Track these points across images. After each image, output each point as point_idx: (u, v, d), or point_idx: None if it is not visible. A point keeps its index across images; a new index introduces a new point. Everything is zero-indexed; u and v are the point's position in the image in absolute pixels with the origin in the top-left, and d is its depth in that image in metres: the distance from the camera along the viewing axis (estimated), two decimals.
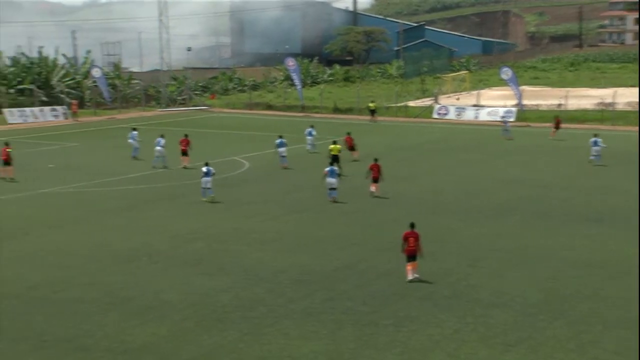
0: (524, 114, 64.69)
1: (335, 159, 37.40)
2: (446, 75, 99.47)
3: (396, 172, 39.03)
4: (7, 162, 37.60)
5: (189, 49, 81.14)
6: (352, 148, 43.50)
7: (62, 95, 72.52)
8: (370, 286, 21.91)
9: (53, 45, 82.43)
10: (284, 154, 41.49)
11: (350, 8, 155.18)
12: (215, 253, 25.16)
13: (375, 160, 34.44)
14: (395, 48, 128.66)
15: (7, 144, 38.51)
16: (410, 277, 22.20)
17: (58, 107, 68.68)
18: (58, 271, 22.96)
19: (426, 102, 76.96)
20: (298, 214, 30.98)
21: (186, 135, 42.46)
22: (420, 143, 53.00)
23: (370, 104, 67.41)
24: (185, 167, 40.68)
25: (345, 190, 34.21)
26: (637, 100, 63.49)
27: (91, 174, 39.31)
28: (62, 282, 21.97)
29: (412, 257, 22.22)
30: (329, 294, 21.25)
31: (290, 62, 78.78)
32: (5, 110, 64.68)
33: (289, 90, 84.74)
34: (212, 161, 43.21)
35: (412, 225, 22.50)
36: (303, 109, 74.87)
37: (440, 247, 25.62)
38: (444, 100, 76.16)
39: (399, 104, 73.76)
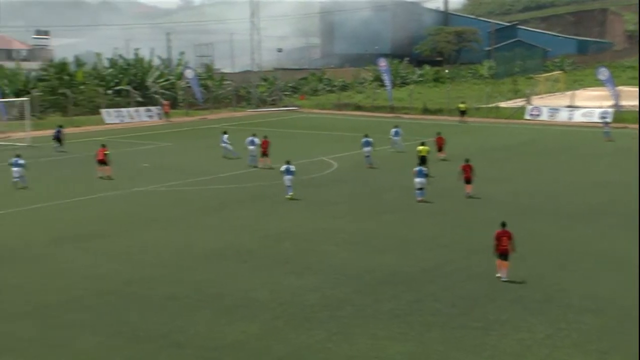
0: (621, 115, 62.82)
1: (423, 161, 37.16)
2: (539, 75, 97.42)
3: (486, 174, 38.48)
4: (104, 161, 38.72)
5: (279, 50, 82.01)
6: (440, 148, 43.47)
7: (157, 96, 74.36)
8: (459, 288, 21.68)
9: (149, 47, 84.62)
10: (368, 154, 41.52)
11: (441, 8, 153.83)
12: (303, 253, 25.35)
13: (467, 160, 34.12)
14: (487, 48, 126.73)
15: (103, 146, 39.64)
16: (500, 274, 22.16)
17: (152, 108, 70.48)
18: (151, 268, 23.55)
19: (518, 103, 75.61)
20: (386, 214, 30.91)
21: (266, 137, 42.61)
22: (511, 144, 52.11)
23: (461, 105, 66.75)
24: (265, 168, 40.71)
25: (433, 190, 33.95)
26: None
27: (183, 173, 40.17)
28: (155, 279, 22.53)
29: (504, 256, 22.09)
30: (416, 295, 21.12)
31: (382, 63, 78.66)
32: (103, 111, 66.73)
33: (378, 91, 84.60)
34: (301, 161, 43.64)
35: (504, 225, 22.45)
36: (392, 109, 74.64)
37: (531, 250, 25.13)
38: (536, 101, 74.64)
39: (489, 105, 72.72)
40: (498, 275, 22.33)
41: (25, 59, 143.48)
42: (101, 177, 38.42)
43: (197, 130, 61.38)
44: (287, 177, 33.42)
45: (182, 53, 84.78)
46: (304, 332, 18.49)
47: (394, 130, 48.27)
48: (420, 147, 38.21)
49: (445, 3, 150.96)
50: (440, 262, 24.23)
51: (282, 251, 25.52)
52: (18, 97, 60.84)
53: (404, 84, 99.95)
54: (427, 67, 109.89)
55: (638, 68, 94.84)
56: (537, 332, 18.43)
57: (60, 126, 49.98)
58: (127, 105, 70.85)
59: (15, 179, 36.62)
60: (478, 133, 58.77)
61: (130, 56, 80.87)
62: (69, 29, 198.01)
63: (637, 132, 52.43)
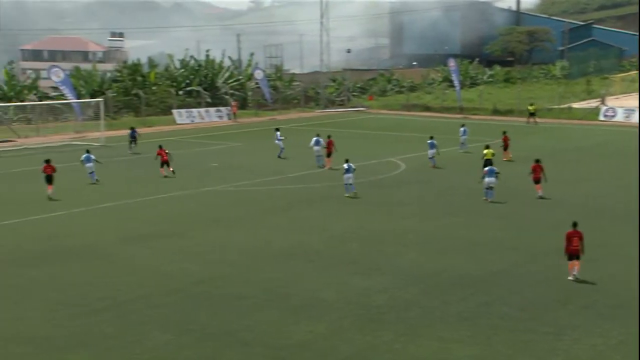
0: None
1: (488, 164, 36.59)
2: (615, 75, 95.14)
3: (558, 175, 37.76)
4: (166, 162, 39.46)
5: (348, 51, 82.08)
6: (506, 148, 43.31)
7: (227, 97, 75.21)
8: (529, 292, 21.32)
9: (219, 48, 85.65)
10: (431, 156, 41.63)
11: (513, 7, 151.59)
12: (370, 253, 25.29)
13: (537, 160, 33.60)
14: (560, 48, 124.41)
15: (160, 147, 40.68)
16: (572, 275, 22.05)
17: (222, 108, 71.30)
18: (220, 267, 23.82)
19: (592, 103, 74.02)
20: (453, 216, 30.61)
21: (329, 136, 42.63)
22: (584, 146, 51.05)
23: (530, 107, 65.56)
24: (334, 169, 40.70)
25: (501, 192, 33.49)
26: None
27: (252, 173, 40.50)
28: (224, 278, 22.77)
29: (575, 256, 21.99)
30: (484, 298, 20.86)
31: (452, 63, 78.03)
32: (175, 111, 67.83)
33: (447, 91, 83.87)
34: (369, 162, 43.60)
35: (575, 225, 22.31)
36: (461, 110, 73.93)
37: (603, 254, 24.56)
38: (611, 101, 72.92)
39: (562, 106, 71.37)
40: (570, 278, 22.05)
41: (100, 61, 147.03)
42: (166, 176, 38.92)
43: (266, 130, 61.79)
44: (347, 176, 33.72)
45: (251, 54, 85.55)
46: (370, 333, 18.44)
47: (462, 129, 47.90)
48: (486, 151, 37.70)
49: (517, 2, 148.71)
50: (510, 265, 23.88)
51: (349, 251, 25.51)
52: (93, 98, 62.33)
53: (474, 84, 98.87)
54: (497, 68, 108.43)
55: (638, 68, 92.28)
56: (610, 338, 18.00)
57: (132, 128, 50.88)
58: (198, 105, 71.86)
59: (90, 174, 37.67)
60: (550, 134, 57.71)
61: (201, 57, 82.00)
62: (143, 31, 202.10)
63: None
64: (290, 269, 23.62)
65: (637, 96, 74.46)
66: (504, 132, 45.00)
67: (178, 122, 66.33)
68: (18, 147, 48.82)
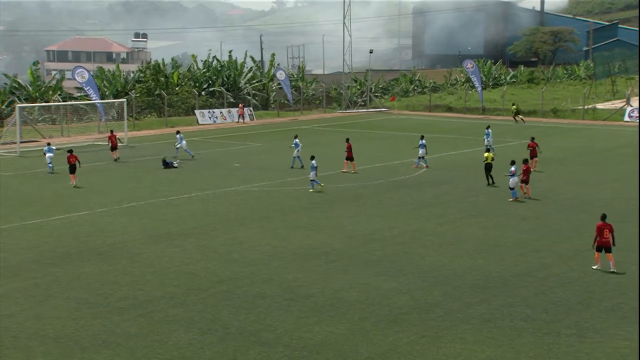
0: None
1: (488, 167, 36.36)
2: None
3: (582, 177, 37.52)
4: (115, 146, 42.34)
5: (371, 52, 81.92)
6: (534, 155, 40.31)
7: (249, 97, 75.42)
8: (552, 294, 21.19)
9: (242, 49, 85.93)
10: (421, 155, 42.12)
11: (537, 8, 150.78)
12: (393, 254, 25.25)
13: (525, 161, 33.83)
14: (585, 48, 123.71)
15: (112, 131, 43.97)
16: (597, 266, 23.02)
17: (244, 109, 71.45)
18: (242, 267, 23.89)
19: (617, 104, 73.45)
20: (476, 217, 30.49)
21: (348, 140, 41.75)
22: (609, 147, 50.67)
23: (513, 107, 67.73)
24: (351, 172, 40.32)
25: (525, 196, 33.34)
26: None
27: (274, 173, 40.57)
28: (246, 277, 22.84)
29: (606, 249, 22.68)
30: (507, 300, 20.76)
31: (469, 64, 77.78)
32: (197, 112, 68.13)
33: (470, 92, 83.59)
34: (391, 163, 43.56)
35: (604, 217, 23.00)
36: (484, 111, 73.67)
37: (628, 257, 24.35)
38: (636, 102, 72.29)
39: (586, 107, 70.89)
40: (595, 267, 22.85)
41: (124, 61, 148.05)
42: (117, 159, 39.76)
43: (287, 131, 61.93)
44: (313, 173, 35.17)
45: (273, 55, 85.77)
46: (392, 334, 18.41)
47: (487, 131, 47.77)
48: (486, 154, 37.11)
49: (542, 3, 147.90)
50: (533, 267, 23.75)
51: (371, 252, 25.49)
52: (117, 99, 62.74)
53: (497, 85, 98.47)
54: (521, 68, 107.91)
55: (639, 68, 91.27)
56: (634, 341, 17.84)
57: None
58: (220, 106, 72.12)
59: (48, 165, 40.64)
60: (574, 135, 57.35)
61: (224, 58, 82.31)
62: (166, 32, 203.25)
63: None
64: (312, 268, 23.64)
65: None
66: (532, 138, 41.76)
67: (200, 122, 66.60)
68: (42, 147, 49.21)
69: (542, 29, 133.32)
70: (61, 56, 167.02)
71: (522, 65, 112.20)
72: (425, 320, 19.30)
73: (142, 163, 44.99)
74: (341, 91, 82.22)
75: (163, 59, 78.20)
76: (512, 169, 33.13)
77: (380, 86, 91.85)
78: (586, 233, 27.58)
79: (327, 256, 24.99)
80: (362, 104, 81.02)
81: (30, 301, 20.70)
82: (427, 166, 41.63)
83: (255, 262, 24.40)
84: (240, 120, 68.34)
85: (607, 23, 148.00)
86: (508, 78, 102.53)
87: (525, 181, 33.30)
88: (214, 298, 20.94)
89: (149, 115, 70.90)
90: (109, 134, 47.19)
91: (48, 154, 41.49)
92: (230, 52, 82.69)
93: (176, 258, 24.82)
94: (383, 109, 78.74)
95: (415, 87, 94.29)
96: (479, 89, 76.80)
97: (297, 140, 42.99)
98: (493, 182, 36.16)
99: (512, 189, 32.94)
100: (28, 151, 49.38)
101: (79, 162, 37.60)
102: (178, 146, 45.69)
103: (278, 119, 71.70)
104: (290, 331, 18.59)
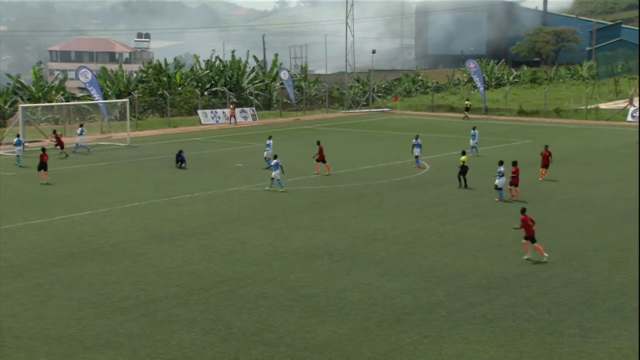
0: None
1: (463, 169, 36.21)
2: None
3: (585, 176, 37.49)
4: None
5: (373, 52, 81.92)
6: (545, 164, 38.32)
7: (251, 97, 75.45)
8: (555, 294, 21.18)
9: (245, 48, 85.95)
10: (417, 154, 42.18)
11: (540, 8, 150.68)
12: (395, 254, 25.24)
13: (515, 163, 33.70)
14: (587, 48, 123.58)
15: (54, 131, 44.25)
16: (528, 255, 24.26)
17: (247, 109, 71.52)
18: (244, 267, 23.89)
19: (620, 104, 73.38)
20: (478, 217, 30.48)
21: (319, 142, 40.75)
22: (611, 147, 50.62)
23: (466, 102, 71.52)
24: (325, 174, 39.69)
25: (528, 195, 33.31)
26: None
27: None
28: (248, 277, 22.84)
29: (532, 239, 24.07)
30: (510, 300, 20.74)
31: (472, 64, 77.75)
32: (200, 112, 68.15)
33: (473, 92, 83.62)
34: (393, 163, 43.56)
35: (524, 210, 24.67)
36: (486, 111, 73.65)
37: (630, 257, 24.32)
38: (637, 102, 72.21)
39: (589, 107, 70.84)
40: (525, 256, 24.20)
41: (127, 61, 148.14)
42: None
43: (290, 131, 62.02)
44: (275, 172, 35.59)
45: (276, 55, 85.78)
46: (395, 334, 18.41)
47: (473, 132, 46.80)
48: (463, 157, 36.83)
49: (544, 2, 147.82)
50: (535, 267, 23.73)
51: (374, 252, 25.49)
52: (119, 99, 62.79)
53: (500, 85, 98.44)
54: (524, 68, 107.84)
55: (639, 69, 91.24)
56: (636, 341, 17.81)
57: (181, 150, 44.12)
58: (223, 106, 72.14)
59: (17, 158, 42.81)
60: (576, 135, 57.29)
61: (227, 58, 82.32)
62: (169, 32, 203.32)
63: None
64: (314, 268, 23.65)
65: None
66: (546, 147, 39.25)
67: (203, 122, 66.63)
68: (45, 147, 49.25)
69: (545, 29, 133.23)
70: (64, 56, 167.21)
71: (524, 65, 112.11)
72: (428, 320, 19.29)
73: (144, 163, 45.01)
74: (344, 91, 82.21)
75: (165, 59, 78.24)
76: (501, 169, 33.11)
77: (383, 86, 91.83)
78: (588, 233, 27.56)
79: (329, 256, 24.99)
80: (365, 104, 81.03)
81: (33, 301, 20.71)
82: (417, 166, 41.55)
83: (257, 262, 24.40)
84: (233, 121, 67.61)
85: (610, 23, 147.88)
86: (511, 78, 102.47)
87: (514, 183, 33.23)
88: (217, 298, 20.95)
89: (152, 115, 70.94)
90: (54, 133, 48.48)
91: (17, 147, 43.08)
92: (232, 52, 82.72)
93: (179, 258, 24.83)
94: (385, 109, 78.72)
95: (418, 87, 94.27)
96: (482, 89, 76.76)
97: (270, 141, 42.48)
98: (466, 185, 35.95)
99: (499, 189, 32.96)
100: (31, 151, 49.37)
101: (48, 159, 38.81)
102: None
103: (280, 119, 71.72)
104: (292, 331, 18.59)
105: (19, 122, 49.66)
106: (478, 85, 77.49)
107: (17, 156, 42.89)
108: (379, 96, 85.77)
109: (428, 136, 57.07)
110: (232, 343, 17.90)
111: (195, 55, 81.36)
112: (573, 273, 23.01)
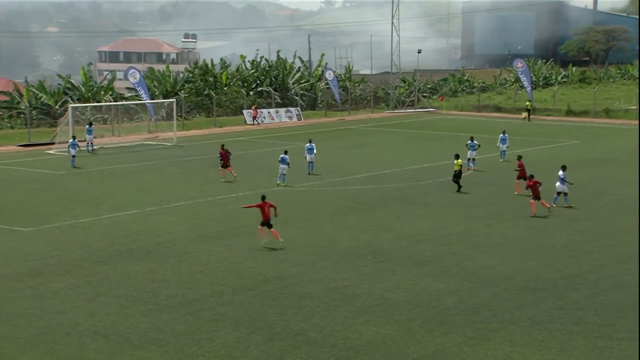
0: None
1: (457, 174, 35.51)
2: None
3: (634, 177, 36.75)
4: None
5: (419, 52, 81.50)
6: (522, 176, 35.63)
7: (296, 97, 75.58)
8: (603, 297, 20.83)
9: (290, 48, 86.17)
10: (471, 157, 41.44)
11: (590, 6, 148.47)
12: (440, 255, 25.07)
13: (519, 157, 34.60)
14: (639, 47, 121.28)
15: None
16: (264, 240, 25.77)
17: (292, 109, 71.66)
18: (289, 266, 23.93)
19: None
20: (525, 218, 30.11)
21: (223, 146, 39.13)
22: None
23: (527, 103, 69.54)
24: (229, 181, 37.99)
25: (577, 195, 32.80)
26: None
27: (321, 173, 40.52)
28: (292, 277, 22.87)
29: (269, 225, 25.75)
30: (558, 302, 20.45)
31: (519, 64, 76.86)
32: (245, 112, 68.45)
33: (520, 92, 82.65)
34: (438, 163, 43.24)
35: (264, 197, 26.36)
36: (533, 111, 72.74)
37: None
38: None
39: None
40: (263, 241, 25.78)
41: (174, 62, 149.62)
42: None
43: (335, 131, 61.98)
44: (282, 166, 36.61)
45: (323, 55, 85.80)
46: (440, 336, 18.28)
47: (502, 136, 44.59)
48: (456, 161, 35.78)
49: (594, 1, 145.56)
50: (584, 269, 23.37)
51: (419, 253, 25.34)
52: (166, 99, 63.42)
53: (548, 85, 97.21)
54: (572, 68, 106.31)
55: (639, 69, 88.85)
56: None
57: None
58: (268, 106, 72.40)
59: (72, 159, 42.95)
60: (627, 136, 56.26)
61: (272, 58, 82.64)
62: (215, 33, 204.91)
63: None
64: (359, 268, 23.59)
65: None
66: (519, 157, 35.87)
67: (248, 122, 66.90)
68: (94, 147, 50.02)
69: (595, 28, 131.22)
70: (113, 57, 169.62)
71: (572, 65, 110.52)
72: (473, 322, 19.11)
73: (190, 163, 45.37)
74: (389, 91, 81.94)
75: (212, 59, 78.79)
76: (561, 173, 32.22)
77: (429, 86, 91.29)
78: (638, 235, 27.04)
79: (374, 256, 24.92)
80: (410, 104, 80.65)
81: (82, 298, 21.02)
82: (468, 168, 40.84)
83: (301, 261, 24.43)
84: (256, 122, 66.39)
85: None
86: (559, 78, 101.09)
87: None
88: (261, 297, 21.02)
89: (198, 115, 71.49)
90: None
91: (73, 149, 43.17)
92: (278, 52, 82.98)
93: (224, 257, 24.97)
94: (431, 109, 78.25)
95: (464, 87, 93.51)
96: (529, 88, 75.86)
97: (311, 144, 40.77)
98: (459, 189, 35.16)
99: (559, 193, 32.02)
100: (80, 150, 50.13)
101: None
102: None
103: (325, 119, 71.71)
104: (337, 331, 18.56)
105: (69, 122, 50.41)
106: (525, 85, 76.58)
107: (73, 156, 43.05)
108: (425, 96, 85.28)
109: (474, 136, 56.51)
110: (277, 342, 17.94)
111: (241, 56, 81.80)
112: (622, 276, 22.60)
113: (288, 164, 37.00)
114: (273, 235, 25.83)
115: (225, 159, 38.48)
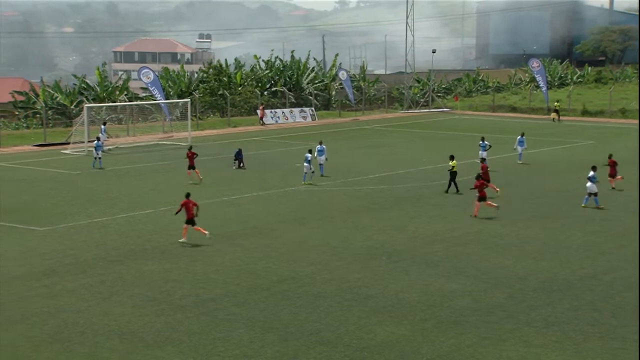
0: None
1: (452, 175, 35.31)
2: None
3: None
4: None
5: (433, 51, 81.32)
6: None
7: (311, 97, 75.59)
8: (619, 298, 20.71)
9: (304, 48, 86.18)
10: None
11: (606, 6, 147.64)
12: (454, 255, 25.01)
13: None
14: None
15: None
16: (184, 239, 26.32)
17: (306, 109, 71.69)
18: (303, 266, 23.94)
19: None
20: (540, 219, 29.99)
21: (190, 148, 39.66)
22: None
23: (556, 104, 68.04)
24: (195, 183, 37.73)
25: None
26: None
27: (335, 173, 40.52)
28: (307, 277, 22.88)
29: (193, 222, 26.38)
30: (573, 303, 20.35)
31: (535, 63, 76.56)
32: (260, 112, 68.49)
33: (535, 92, 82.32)
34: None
35: (188, 195, 26.91)
36: (548, 111, 72.43)
37: None
38: None
39: None
40: (181, 240, 26.03)
41: (188, 62, 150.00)
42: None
43: (349, 131, 61.97)
44: (307, 165, 37.11)
45: (337, 55, 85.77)
46: (454, 336, 18.23)
47: (519, 138, 44.08)
48: (451, 163, 35.67)
49: (611, 1, 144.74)
50: (600, 270, 23.25)
51: (433, 253, 25.29)
52: (180, 99, 63.59)
53: (563, 85, 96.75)
54: (588, 68, 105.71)
55: (638, 69, 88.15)
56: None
57: (240, 150, 44.24)
58: (282, 106, 72.47)
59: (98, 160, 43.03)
60: None
61: (286, 58, 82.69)
62: (229, 33, 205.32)
63: None
64: (373, 269, 23.57)
65: None
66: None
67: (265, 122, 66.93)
68: (109, 147, 50.25)
69: (611, 28, 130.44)
70: (128, 57, 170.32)
71: (588, 65, 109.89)
72: (487, 322, 19.05)
73: (204, 163, 45.45)
74: (403, 91, 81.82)
75: (226, 59, 78.94)
76: (592, 173, 31.96)
77: (443, 86, 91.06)
78: None
79: (388, 256, 24.88)
80: (425, 104, 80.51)
81: (97, 297, 21.11)
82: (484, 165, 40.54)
83: (315, 261, 24.43)
84: (261, 122, 66.09)
85: None
86: (575, 78, 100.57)
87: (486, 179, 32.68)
88: (275, 297, 21.04)
89: (212, 115, 71.66)
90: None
91: (97, 151, 43.13)
92: (292, 52, 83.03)
93: (238, 257, 25.01)
94: (445, 109, 78.07)
95: (479, 87, 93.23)
96: (544, 88, 75.55)
97: (321, 146, 40.31)
98: (457, 190, 35.02)
99: (590, 194, 31.82)
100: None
101: None
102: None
103: (339, 119, 71.71)
104: (351, 331, 18.56)
105: (85, 121, 50.64)
106: (541, 85, 76.28)
107: (95, 158, 42.95)
108: (439, 96, 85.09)
109: (489, 137, 56.36)
110: (291, 342, 17.95)
111: (255, 56, 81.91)
112: (637, 277, 22.44)
113: (309, 161, 37.40)
114: (200, 231, 26.31)
115: (191, 160, 38.76)
